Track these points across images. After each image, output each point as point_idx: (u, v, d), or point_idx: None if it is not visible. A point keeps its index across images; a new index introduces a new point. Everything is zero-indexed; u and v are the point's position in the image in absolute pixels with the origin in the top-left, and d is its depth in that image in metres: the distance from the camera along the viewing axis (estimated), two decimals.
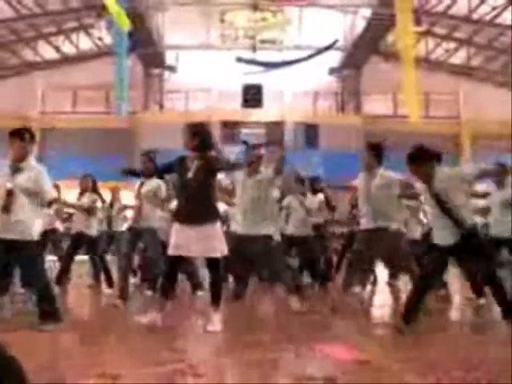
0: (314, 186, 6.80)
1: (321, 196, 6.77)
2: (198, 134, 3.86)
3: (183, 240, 3.68)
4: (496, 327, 4.13)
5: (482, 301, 5.08)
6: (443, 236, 3.71)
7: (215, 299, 3.81)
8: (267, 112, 17.98)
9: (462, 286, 6.67)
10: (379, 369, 2.72)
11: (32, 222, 3.74)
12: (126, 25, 12.23)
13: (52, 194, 3.98)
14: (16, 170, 3.71)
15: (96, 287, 6.48)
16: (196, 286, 5.93)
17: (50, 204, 4.03)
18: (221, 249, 3.75)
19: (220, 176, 5.14)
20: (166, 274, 3.84)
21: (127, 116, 16.18)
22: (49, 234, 6.54)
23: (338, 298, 4.98)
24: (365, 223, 4.64)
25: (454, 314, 5.04)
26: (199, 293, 5.83)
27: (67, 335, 3.65)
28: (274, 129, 17.85)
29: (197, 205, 3.71)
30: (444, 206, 3.65)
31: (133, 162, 16.89)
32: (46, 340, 3.36)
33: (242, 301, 5.05)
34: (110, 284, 6.26)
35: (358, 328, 4.04)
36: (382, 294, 6.48)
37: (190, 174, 3.73)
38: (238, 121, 17.86)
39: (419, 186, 3.95)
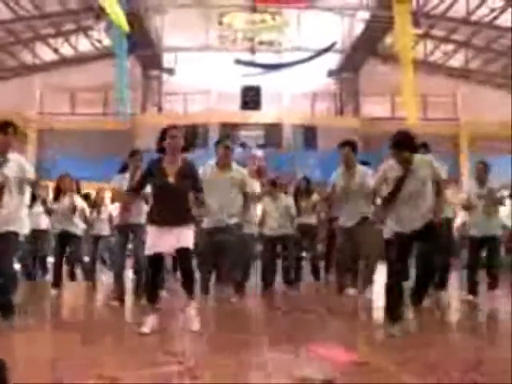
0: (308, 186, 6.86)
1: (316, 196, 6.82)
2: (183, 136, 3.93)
3: (159, 239, 3.71)
4: (494, 327, 4.14)
5: (470, 297, 5.17)
6: (411, 221, 3.74)
7: (190, 291, 3.81)
8: (266, 114, 18.01)
9: (459, 286, 6.68)
10: (377, 370, 2.71)
11: (23, 215, 3.85)
12: (124, 27, 12.25)
13: (33, 175, 4.01)
14: (1, 162, 3.73)
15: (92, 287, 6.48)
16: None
17: (33, 185, 4.02)
18: (191, 242, 3.79)
19: None
20: (150, 276, 3.82)
21: (127, 118, 16.22)
22: (39, 234, 6.56)
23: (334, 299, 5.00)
24: (345, 221, 4.67)
25: (452, 314, 5.04)
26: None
27: (64, 336, 3.64)
28: (273, 131, 17.88)
29: (177, 208, 3.74)
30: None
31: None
32: (43, 341, 3.35)
33: (239, 302, 5.05)
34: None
35: (356, 329, 4.04)
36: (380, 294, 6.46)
37: (170, 179, 3.74)
38: (236, 123, 17.88)
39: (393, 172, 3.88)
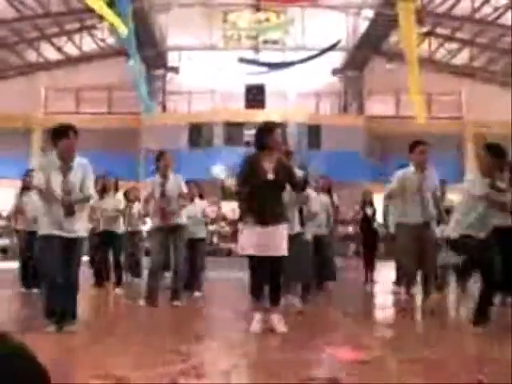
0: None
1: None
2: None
3: (261, 240, 3.66)
4: (501, 327, 4.13)
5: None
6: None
7: (275, 301, 3.77)
8: (270, 112, 18.00)
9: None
10: (383, 369, 2.72)
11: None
12: (123, 29, 12.28)
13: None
14: (68, 168, 3.70)
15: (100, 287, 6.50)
16: (196, 287, 5.96)
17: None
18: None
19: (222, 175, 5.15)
20: (256, 276, 3.76)
21: (153, 112, 16.35)
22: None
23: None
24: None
25: (458, 314, 5.02)
26: (196, 293, 5.87)
27: (71, 336, 3.66)
28: None
29: (274, 206, 3.73)
30: None
31: (136, 163, 16.97)
32: (50, 341, 3.37)
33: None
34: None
35: (362, 328, 4.05)
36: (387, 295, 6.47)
37: (269, 175, 3.70)
38: (240, 121, 17.89)
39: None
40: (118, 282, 6.42)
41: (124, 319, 4.60)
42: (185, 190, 5.19)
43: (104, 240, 6.51)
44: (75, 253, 3.76)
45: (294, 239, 4.27)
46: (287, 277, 4.98)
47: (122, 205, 6.69)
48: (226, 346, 3.44)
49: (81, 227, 3.81)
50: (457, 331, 4.02)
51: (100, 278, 6.49)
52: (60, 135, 3.70)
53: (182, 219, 5.16)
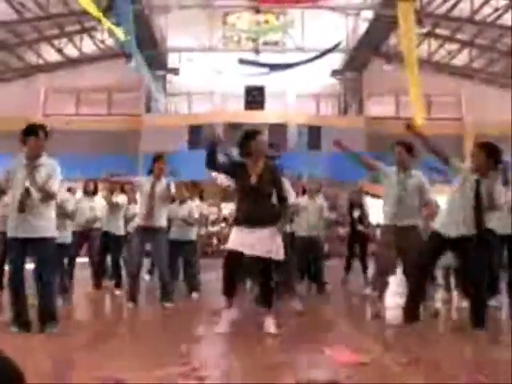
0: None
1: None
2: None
3: (247, 240, 3.70)
4: (500, 328, 4.13)
5: None
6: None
7: (268, 300, 3.79)
8: (270, 114, 18.02)
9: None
10: (382, 371, 2.72)
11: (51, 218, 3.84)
12: (120, 35, 12.36)
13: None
14: (34, 167, 3.69)
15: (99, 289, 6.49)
16: (193, 287, 5.96)
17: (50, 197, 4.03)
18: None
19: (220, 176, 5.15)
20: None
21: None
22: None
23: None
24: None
25: (457, 315, 5.02)
26: (194, 294, 5.88)
27: (72, 338, 3.65)
28: (277, 131, 17.88)
29: (261, 209, 3.76)
30: None
31: (136, 164, 16.97)
32: (51, 343, 3.37)
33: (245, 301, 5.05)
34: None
35: (361, 329, 4.04)
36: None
37: (253, 182, 3.75)
38: (240, 123, 17.88)
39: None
40: (118, 284, 6.42)
41: (123, 321, 4.60)
42: (173, 191, 5.23)
43: (103, 241, 6.51)
44: (43, 254, 3.70)
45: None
46: (286, 278, 5.00)
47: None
48: (225, 347, 3.44)
49: (47, 227, 3.73)
50: (457, 333, 4.02)
51: (98, 280, 6.47)
52: (29, 134, 3.70)
53: (163, 221, 5.19)
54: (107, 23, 11.73)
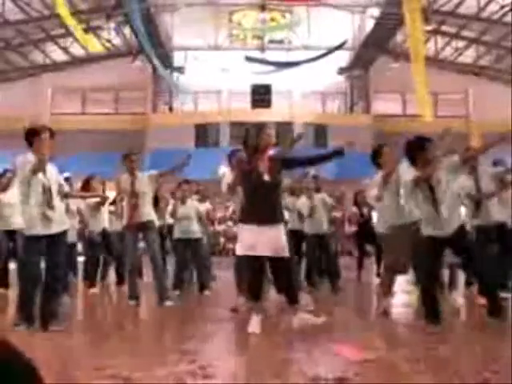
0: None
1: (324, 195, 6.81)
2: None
3: (257, 240, 3.66)
4: (507, 327, 4.10)
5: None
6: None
7: (293, 298, 3.76)
8: (276, 112, 18.00)
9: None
10: (390, 368, 2.71)
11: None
12: (94, 47, 12.41)
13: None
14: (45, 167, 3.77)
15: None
16: (203, 285, 5.97)
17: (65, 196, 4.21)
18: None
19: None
20: (252, 277, 3.75)
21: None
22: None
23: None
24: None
25: (464, 313, 5.00)
26: (206, 292, 5.87)
27: (78, 336, 3.67)
28: (284, 129, 17.85)
29: (271, 207, 3.72)
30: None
31: (142, 163, 17.01)
32: (57, 341, 3.38)
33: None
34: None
35: (368, 327, 4.04)
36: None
37: (265, 177, 3.69)
38: (247, 121, 17.89)
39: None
40: (120, 282, 6.43)
41: (129, 319, 4.61)
42: (155, 173, 5.23)
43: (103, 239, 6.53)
44: (59, 251, 3.81)
45: None
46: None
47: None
48: (233, 345, 3.44)
49: (65, 224, 3.91)
50: (464, 330, 4.00)
51: (92, 278, 6.44)
52: (36, 135, 3.78)
53: (151, 216, 5.17)
54: (80, 32, 11.80)
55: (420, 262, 4.09)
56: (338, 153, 3.90)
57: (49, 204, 3.73)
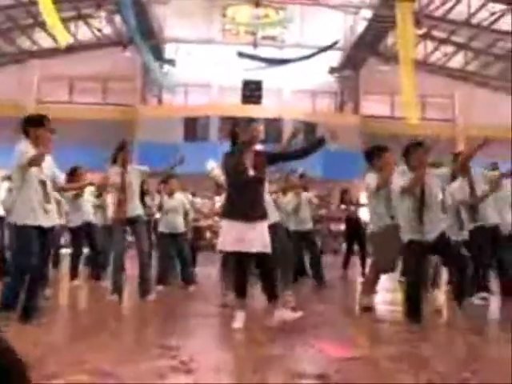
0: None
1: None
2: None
3: (242, 236, 3.65)
4: (489, 326, 4.17)
5: None
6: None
7: (273, 294, 3.74)
8: (266, 109, 17.98)
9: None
10: (372, 366, 2.74)
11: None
12: (65, 39, 12.28)
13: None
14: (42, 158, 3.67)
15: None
16: (188, 280, 5.96)
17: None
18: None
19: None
20: (238, 273, 3.76)
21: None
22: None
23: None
24: None
25: (448, 312, 5.06)
26: (191, 288, 5.86)
27: (57, 330, 3.63)
28: (273, 126, 17.85)
29: (255, 201, 3.71)
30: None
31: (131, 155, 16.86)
32: (36, 335, 3.34)
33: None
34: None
35: (351, 324, 4.07)
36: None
37: (250, 172, 3.67)
38: (236, 116, 17.84)
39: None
40: (98, 277, 6.37)
41: (110, 313, 4.57)
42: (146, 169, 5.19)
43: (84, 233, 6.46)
44: (49, 243, 3.79)
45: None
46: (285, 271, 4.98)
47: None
48: (215, 341, 3.44)
49: (56, 216, 3.88)
50: (448, 329, 4.06)
51: (74, 271, 6.35)
52: (35, 124, 3.67)
53: (139, 210, 5.13)
54: (57, 22, 11.59)
55: (406, 261, 4.15)
56: (320, 142, 3.97)
57: (45, 197, 3.65)
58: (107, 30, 17.82)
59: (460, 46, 17.64)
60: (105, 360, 2.67)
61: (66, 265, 6.84)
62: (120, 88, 19.04)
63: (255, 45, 18.60)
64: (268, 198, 4.45)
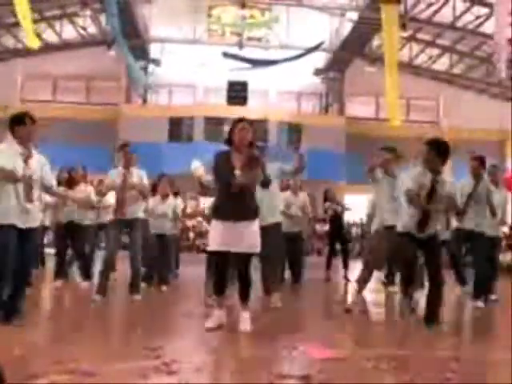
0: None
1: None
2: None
3: (230, 236, 3.62)
4: (474, 326, 4.20)
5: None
6: None
7: (247, 294, 3.71)
8: (251, 110, 17.97)
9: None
10: (355, 367, 2.74)
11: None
12: (35, 43, 12.21)
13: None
14: (28, 156, 3.61)
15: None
16: (161, 280, 5.93)
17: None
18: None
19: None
20: (218, 271, 3.73)
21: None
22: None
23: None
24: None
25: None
26: (164, 288, 5.83)
27: (39, 330, 3.58)
28: (258, 127, 17.82)
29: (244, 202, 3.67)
30: None
31: (113, 154, 16.74)
32: (18, 335, 3.29)
33: None
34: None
35: (334, 326, 4.07)
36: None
37: (237, 173, 3.61)
38: (221, 117, 17.81)
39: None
40: (87, 276, 6.29)
41: (93, 313, 4.52)
42: (145, 182, 5.15)
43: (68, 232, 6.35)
44: (33, 244, 3.73)
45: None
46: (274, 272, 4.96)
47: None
48: (198, 342, 3.42)
49: (39, 216, 3.84)
50: (430, 329, 4.08)
51: (58, 271, 6.28)
52: (19, 123, 3.63)
53: (139, 213, 5.12)
54: (30, 26, 11.51)
55: (400, 257, 4.17)
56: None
57: (27, 196, 3.56)
58: (92, 28, 17.66)
59: (445, 49, 17.84)
60: (87, 360, 2.65)
61: (50, 264, 6.72)
62: (105, 87, 18.90)
63: (241, 46, 18.59)
64: (277, 197, 4.51)
